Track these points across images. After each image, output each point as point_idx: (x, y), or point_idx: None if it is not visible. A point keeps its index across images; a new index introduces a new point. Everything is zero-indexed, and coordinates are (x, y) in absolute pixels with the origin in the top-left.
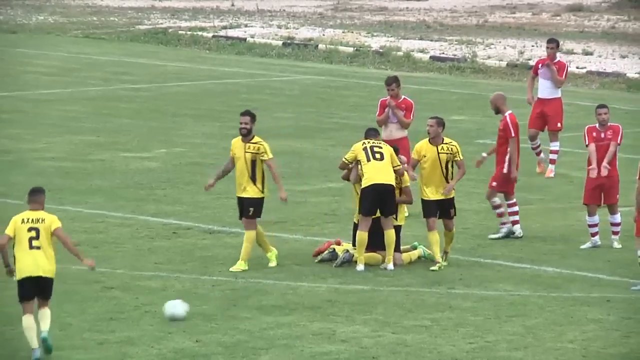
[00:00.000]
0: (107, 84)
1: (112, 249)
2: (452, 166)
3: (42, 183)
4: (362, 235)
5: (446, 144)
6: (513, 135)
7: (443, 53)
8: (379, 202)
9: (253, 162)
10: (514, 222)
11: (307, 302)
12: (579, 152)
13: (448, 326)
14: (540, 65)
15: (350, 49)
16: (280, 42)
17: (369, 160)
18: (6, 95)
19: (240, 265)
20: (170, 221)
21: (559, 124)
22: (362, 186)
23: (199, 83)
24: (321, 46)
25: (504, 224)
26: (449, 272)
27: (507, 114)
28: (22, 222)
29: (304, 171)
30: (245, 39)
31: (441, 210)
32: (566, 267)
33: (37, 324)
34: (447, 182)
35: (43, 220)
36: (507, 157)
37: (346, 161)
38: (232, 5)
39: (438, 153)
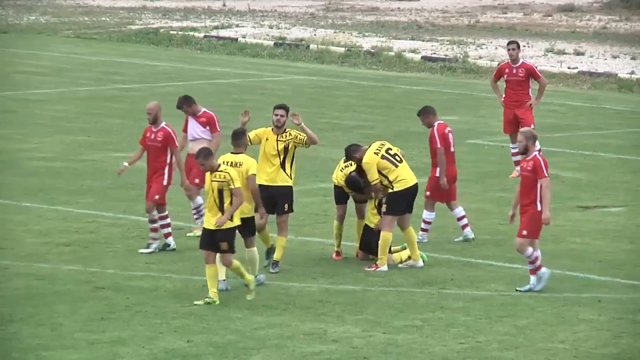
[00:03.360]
0: (98, 84)
1: (103, 249)
2: (231, 195)
3: (33, 183)
4: (389, 236)
5: (220, 171)
6: (175, 146)
7: (434, 53)
8: (411, 201)
9: None
10: (167, 235)
11: (298, 302)
12: (569, 153)
13: (439, 326)
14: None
15: (342, 49)
16: (271, 42)
17: (396, 165)
18: None
19: None
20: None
21: (532, 126)
22: (399, 188)
23: (191, 83)
24: (312, 46)
25: (155, 239)
26: (441, 272)
27: (164, 124)
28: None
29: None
30: (236, 39)
31: (212, 241)
32: (557, 268)
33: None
34: (222, 212)
35: (241, 164)
36: (166, 169)
37: (380, 179)
38: (224, 5)
39: (211, 181)
